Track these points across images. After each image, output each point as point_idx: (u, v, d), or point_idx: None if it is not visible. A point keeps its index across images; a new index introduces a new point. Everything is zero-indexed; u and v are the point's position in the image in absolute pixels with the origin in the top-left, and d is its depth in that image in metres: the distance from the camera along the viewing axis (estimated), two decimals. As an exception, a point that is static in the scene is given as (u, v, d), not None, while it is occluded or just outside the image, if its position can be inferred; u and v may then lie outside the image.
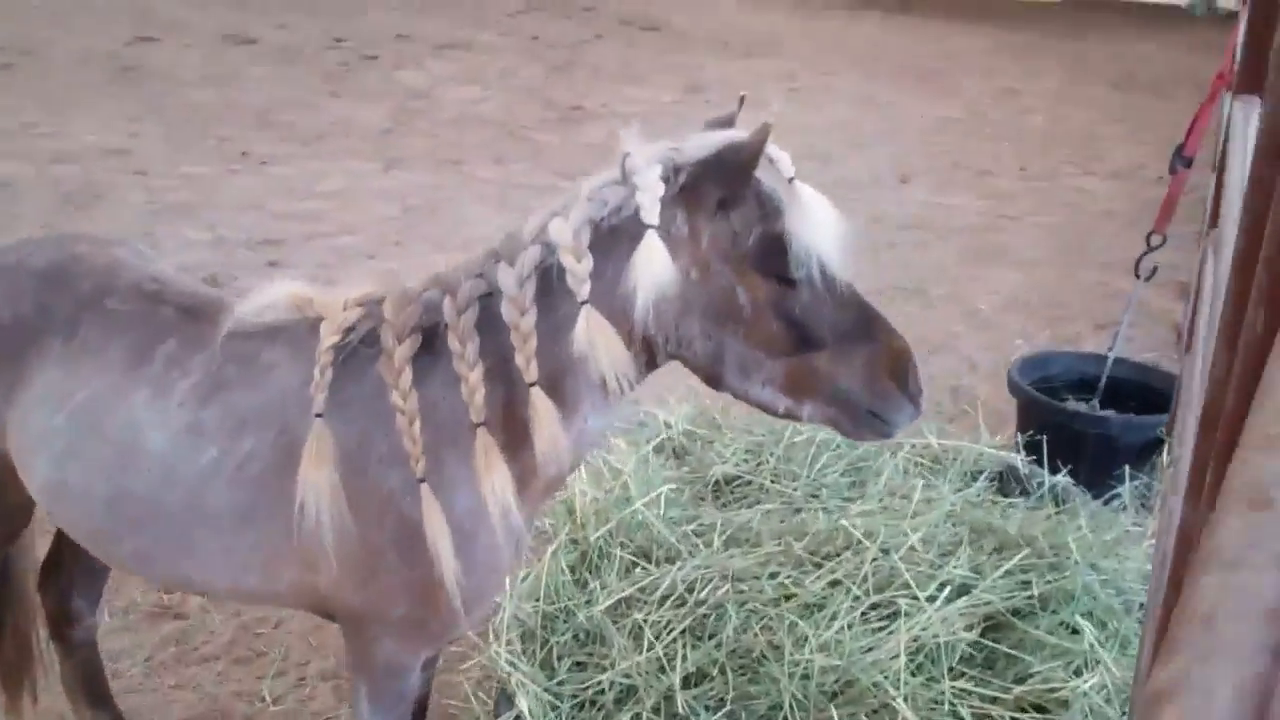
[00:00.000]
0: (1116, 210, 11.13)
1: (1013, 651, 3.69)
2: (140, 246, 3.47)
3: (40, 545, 3.89)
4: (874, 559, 3.84)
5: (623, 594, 3.81)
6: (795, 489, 4.67)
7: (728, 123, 2.84)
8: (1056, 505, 4.76)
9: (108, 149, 11.38)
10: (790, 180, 2.69)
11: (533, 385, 2.71)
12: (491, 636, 3.67)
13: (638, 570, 3.91)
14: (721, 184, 2.66)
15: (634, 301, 2.63)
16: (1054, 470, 4.97)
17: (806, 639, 3.59)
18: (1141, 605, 4.02)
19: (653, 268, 2.62)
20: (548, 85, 15.48)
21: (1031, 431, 5.31)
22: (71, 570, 3.84)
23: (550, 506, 4.18)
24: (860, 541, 3.93)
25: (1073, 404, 5.90)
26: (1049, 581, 3.90)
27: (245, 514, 2.90)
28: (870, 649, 3.57)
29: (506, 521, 2.76)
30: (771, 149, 2.69)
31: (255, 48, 16.30)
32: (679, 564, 3.95)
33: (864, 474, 4.84)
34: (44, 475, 3.03)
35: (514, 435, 2.78)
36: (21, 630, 3.82)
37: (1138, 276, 5.82)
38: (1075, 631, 3.77)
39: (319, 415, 2.78)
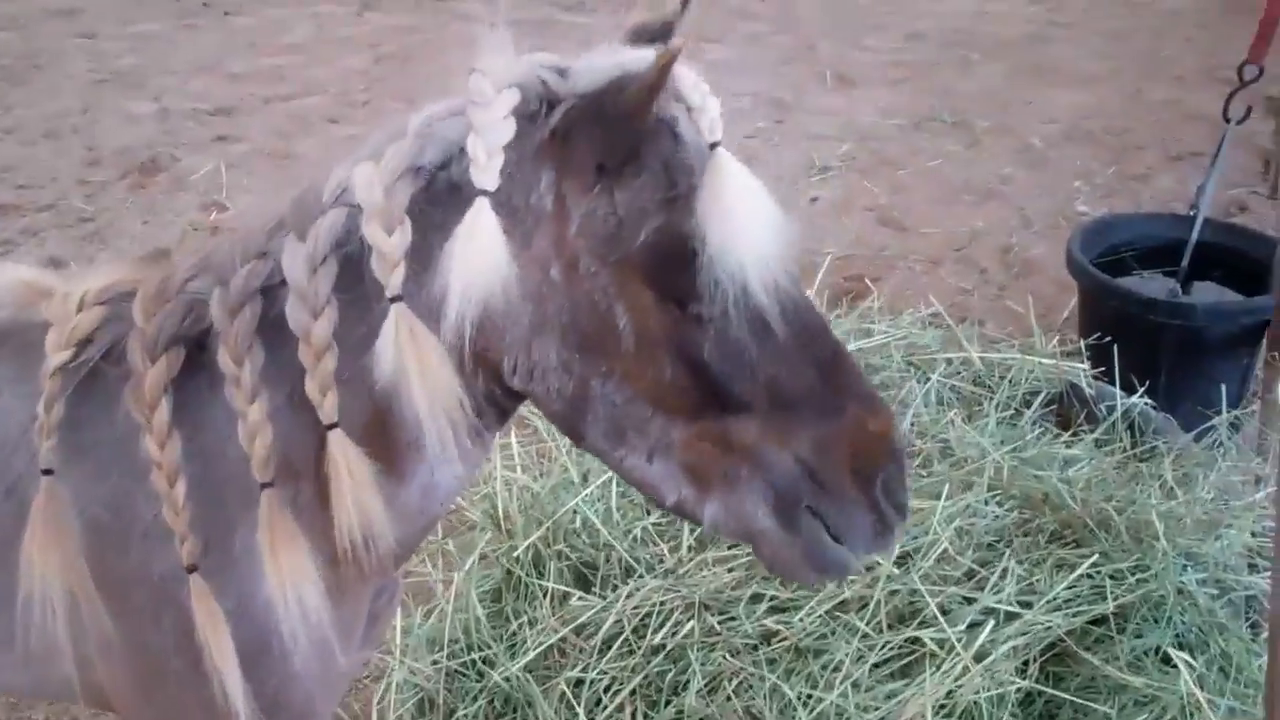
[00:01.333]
0: (1186, 8, 9.72)
1: (1081, 700, 2.71)
2: None
3: None
4: (888, 575, 2.83)
5: (551, 640, 2.84)
6: (797, 438, 3.64)
7: (661, 34, 1.77)
8: (1133, 436, 3.73)
9: (54, 9, 10.23)
10: (712, 148, 1.63)
11: (331, 428, 1.74)
12: (375, 715, 2.73)
13: (575, 600, 2.92)
14: (602, 139, 1.63)
15: (446, 301, 1.63)
16: (1128, 380, 3.91)
17: (796, 709, 2.62)
18: (1251, 603, 3.02)
19: (474, 254, 1.62)
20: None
21: (1099, 334, 4.21)
22: None
23: (466, 506, 3.20)
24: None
25: (1146, 283, 4.76)
26: (1128, 589, 2.88)
27: None
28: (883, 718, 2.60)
29: (307, 622, 1.82)
30: (689, 88, 1.67)
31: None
32: (630, 584, 2.96)
33: (886, 407, 3.80)
34: None
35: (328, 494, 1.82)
36: None
37: (1226, 120, 4.60)
38: (1168, 661, 2.77)
39: (47, 471, 1.84)
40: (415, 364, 1.66)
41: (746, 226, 1.58)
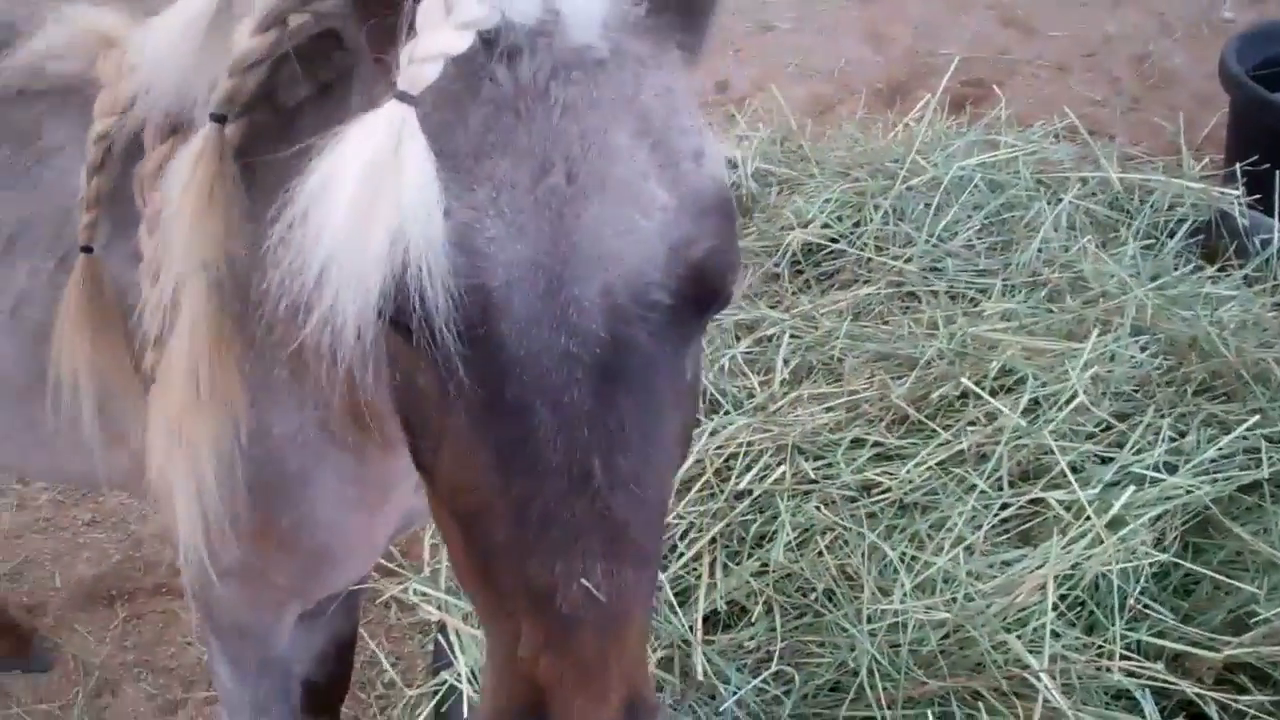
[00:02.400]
0: None
1: (1224, 577, 2.36)
2: None
3: None
4: (1013, 428, 2.48)
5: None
6: (907, 259, 3.26)
7: None
8: (1292, 276, 3.31)
9: None
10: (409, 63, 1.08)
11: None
12: (426, 553, 2.46)
13: (652, 436, 2.60)
14: None
15: None
16: (1289, 208, 3.46)
17: (897, 571, 2.31)
18: None
19: None
20: None
21: (1255, 156, 3.73)
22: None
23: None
24: (980, 392, 2.55)
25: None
26: (1287, 453, 2.51)
27: (31, 376, 1.82)
28: (995, 592, 2.27)
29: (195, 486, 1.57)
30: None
31: None
32: (715, 420, 2.65)
33: (1011, 230, 3.40)
34: None
35: None
36: None
37: None
38: (1326, 538, 2.42)
39: (86, 249, 1.66)
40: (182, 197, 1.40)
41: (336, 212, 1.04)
